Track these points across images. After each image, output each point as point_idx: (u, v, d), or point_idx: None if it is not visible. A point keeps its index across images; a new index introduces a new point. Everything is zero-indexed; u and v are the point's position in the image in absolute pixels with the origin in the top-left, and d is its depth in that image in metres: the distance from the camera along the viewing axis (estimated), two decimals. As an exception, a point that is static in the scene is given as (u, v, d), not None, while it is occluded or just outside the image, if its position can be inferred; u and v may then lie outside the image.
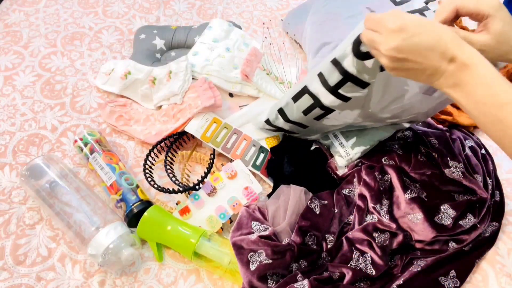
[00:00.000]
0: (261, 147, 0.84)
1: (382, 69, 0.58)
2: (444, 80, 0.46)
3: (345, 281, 0.64)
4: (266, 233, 0.65)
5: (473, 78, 0.44)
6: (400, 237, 0.69)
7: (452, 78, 0.45)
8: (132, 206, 0.72)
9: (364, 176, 0.73)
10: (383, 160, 0.77)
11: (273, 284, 0.63)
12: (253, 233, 0.65)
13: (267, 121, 0.80)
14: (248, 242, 0.63)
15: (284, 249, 0.64)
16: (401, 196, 0.71)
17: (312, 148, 0.83)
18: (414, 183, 0.73)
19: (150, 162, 0.80)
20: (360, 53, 0.56)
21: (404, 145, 0.80)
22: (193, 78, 0.88)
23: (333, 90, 0.64)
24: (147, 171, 0.78)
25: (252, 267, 0.62)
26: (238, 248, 0.64)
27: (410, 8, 0.96)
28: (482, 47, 0.51)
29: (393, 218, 0.70)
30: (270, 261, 0.62)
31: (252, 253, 0.63)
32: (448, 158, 0.75)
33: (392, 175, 0.73)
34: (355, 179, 0.76)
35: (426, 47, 0.46)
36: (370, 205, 0.71)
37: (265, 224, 0.68)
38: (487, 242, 0.72)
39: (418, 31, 0.46)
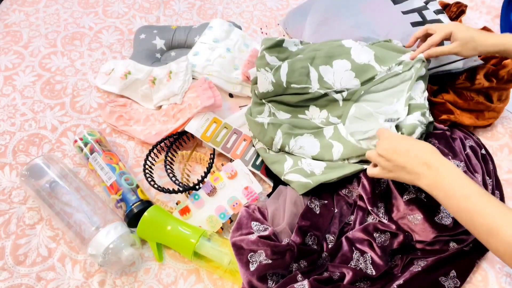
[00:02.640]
0: (261, 147, 0.84)
1: None
2: (423, 180, 0.59)
3: (345, 281, 0.64)
4: (266, 233, 0.65)
5: (443, 178, 0.57)
6: (400, 237, 0.69)
7: (428, 180, 0.58)
8: (132, 206, 0.72)
9: (363, 178, 0.73)
10: None
11: (273, 284, 0.63)
12: (253, 233, 0.65)
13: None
14: (247, 242, 0.63)
15: (283, 249, 0.64)
16: (399, 198, 0.71)
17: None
18: None
19: (150, 162, 0.80)
20: None
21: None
22: (193, 78, 0.88)
23: None
24: (147, 171, 0.78)
25: (252, 267, 0.62)
26: (238, 249, 0.64)
27: (409, 7, 0.96)
28: (453, 52, 0.76)
29: (392, 221, 0.70)
30: (270, 261, 0.62)
31: (252, 253, 0.63)
32: (450, 157, 0.75)
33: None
34: (354, 180, 0.76)
35: (406, 150, 0.61)
36: (369, 207, 0.72)
37: (265, 224, 0.68)
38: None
39: (402, 138, 0.65)
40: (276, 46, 0.84)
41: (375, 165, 0.66)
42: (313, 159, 0.78)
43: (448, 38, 0.77)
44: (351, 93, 0.80)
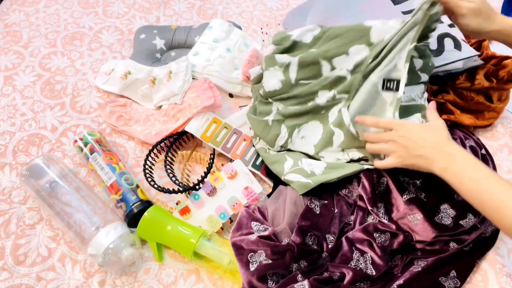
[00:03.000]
0: (261, 147, 0.84)
1: None
2: (437, 165, 0.61)
3: (345, 281, 0.64)
4: (266, 233, 0.65)
5: (456, 163, 0.60)
6: (400, 237, 0.69)
7: (442, 164, 0.60)
8: (132, 206, 0.72)
9: (363, 178, 0.73)
10: None
11: (273, 285, 0.63)
12: (253, 233, 0.65)
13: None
14: (248, 243, 0.63)
15: (284, 249, 0.64)
16: (399, 198, 0.71)
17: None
18: (415, 180, 0.73)
19: (150, 162, 0.80)
20: None
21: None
22: (193, 78, 0.88)
23: None
24: (147, 171, 0.78)
25: (252, 267, 0.62)
26: (238, 249, 0.64)
27: (409, 7, 0.96)
28: (467, 12, 0.70)
29: (392, 221, 0.70)
30: (270, 261, 0.62)
31: (252, 253, 0.63)
32: None
33: (388, 178, 0.73)
34: (354, 180, 0.76)
35: (423, 138, 0.63)
36: (369, 207, 0.72)
37: (265, 224, 0.68)
38: (487, 242, 0.72)
39: (416, 126, 0.65)
40: (285, 41, 0.81)
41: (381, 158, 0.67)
42: (314, 155, 0.78)
43: None
44: (358, 64, 0.75)
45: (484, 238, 0.72)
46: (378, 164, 0.68)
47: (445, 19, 0.96)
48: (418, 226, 0.68)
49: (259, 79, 0.86)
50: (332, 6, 1.01)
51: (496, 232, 0.73)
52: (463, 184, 0.58)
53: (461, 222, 0.69)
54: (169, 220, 0.70)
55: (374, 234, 0.69)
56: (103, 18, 1.12)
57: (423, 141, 0.62)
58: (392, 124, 0.67)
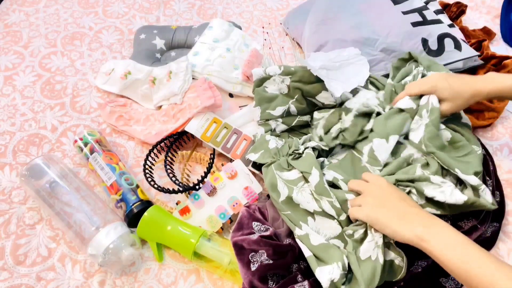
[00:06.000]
0: (261, 147, 0.84)
1: None
2: (416, 230, 0.55)
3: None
4: (267, 233, 0.65)
5: (436, 235, 0.54)
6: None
7: (422, 232, 0.55)
8: (132, 206, 0.72)
9: None
10: None
11: (274, 285, 0.63)
12: (254, 233, 0.65)
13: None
14: (249, 242, 0.63)
15: (285, 249, 0.64)
16: None
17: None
18: None
19: (150, 162, 0.80)
20: None
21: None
22: (193, 78, 0.88)
23: None
24: (147, 171, 0.78)
25: (253, 267, 0.62)
26: (239, 248, 0.64)
27: (410, 7, 0.96)
28: (447, 113, 0.72)
29: None
30: (271, 261, 0.62)
31: (253, 253, 0.63)
32: None
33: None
34: None
35: (399, 197, 0.61)
36: None
37: (266, 224, 0.68)
38: (487, 243, 0.72)
39: (394, 187, 0.64)
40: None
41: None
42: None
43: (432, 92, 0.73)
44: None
45: (484, 239, 0.72)
46: (352, 211, 0.64)
47: (445, 19, 0.96)
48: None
49: (261, 82, 0.86)
50: (332, 6, 1.01)
51: (496, 232, 0.73)
52: (447, 254, 0.53)
53: (460, 223, 0.69)
54: (169, 220, 0.70)
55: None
56: (103, 18, 1.12)
57: (398, 198, 0.60)
58: (365, 177, 0.66)
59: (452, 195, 0.61)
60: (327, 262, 0.61)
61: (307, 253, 0.62)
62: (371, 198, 0.62)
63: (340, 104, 0.82)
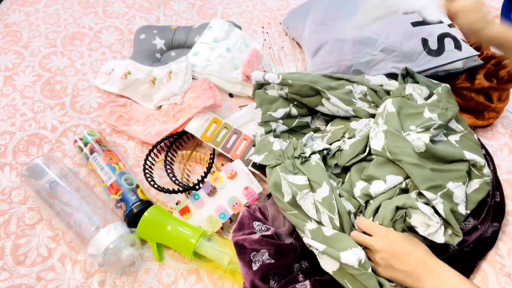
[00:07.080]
0: (261, 147, 0.84)
1: None
2: (426, 284, 0.57)
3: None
4: (269, 233, 0.65)
5: (443, 280, 0.57)
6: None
7: (432, 284, 0.57)
8: (132, 206, 0.72)
9: None
10: None
11: (275, 285, 0.63)
12: (255, 233, 0.65)
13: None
14: (250, 242, 0.63)
15: (287, 249, 0.64)
16: None
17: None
18: None
19: (150, 162, 0.80)
20: None
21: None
22: (193, 78, 0.88)
23: None
24: (147, 171, 0.78)
25: (255, 267, 0.62)
26: (241, 248, 0.63)
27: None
28: (461, 8, 0.71)
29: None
30: (273, 261, 0.62)
31: (255, 252, 0.63)
32: None
33: None
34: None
35: (405, 251, 0.60)
36: None
37: (267, 224, 0.68)
38: (487, 243, 0.72)
39: (401, 239, 0.62)
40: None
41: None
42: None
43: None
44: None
45: (484, 239, 0.72)
46: (361, 221, 0.65)
47: (445, 19, 0.96)
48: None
49: (260, 86, 0.86)
50: (332, 6, 1.01)
51: (496, 232, 0.73)
52: None
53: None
54: (169, 220, 0.70)
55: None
56: (103, 18, 1.12)
57: (406, 256, 0.60)
58: (370, 229, 0.64)
59: (436, 235, 0.62)
60: (344, 250, 0.61)
61: (320, 247, 0.62)
62: (379, 258, 0.62)
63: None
